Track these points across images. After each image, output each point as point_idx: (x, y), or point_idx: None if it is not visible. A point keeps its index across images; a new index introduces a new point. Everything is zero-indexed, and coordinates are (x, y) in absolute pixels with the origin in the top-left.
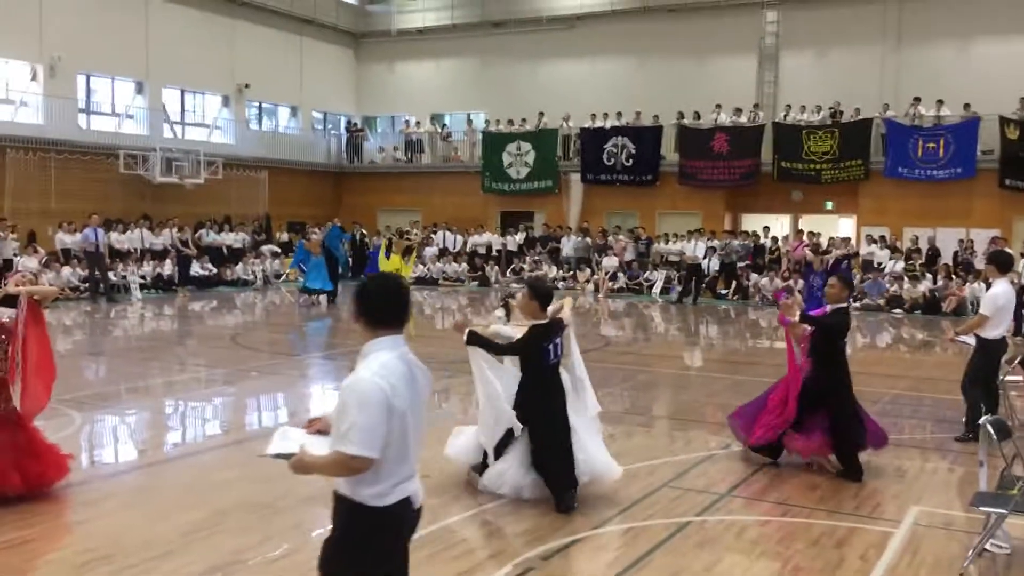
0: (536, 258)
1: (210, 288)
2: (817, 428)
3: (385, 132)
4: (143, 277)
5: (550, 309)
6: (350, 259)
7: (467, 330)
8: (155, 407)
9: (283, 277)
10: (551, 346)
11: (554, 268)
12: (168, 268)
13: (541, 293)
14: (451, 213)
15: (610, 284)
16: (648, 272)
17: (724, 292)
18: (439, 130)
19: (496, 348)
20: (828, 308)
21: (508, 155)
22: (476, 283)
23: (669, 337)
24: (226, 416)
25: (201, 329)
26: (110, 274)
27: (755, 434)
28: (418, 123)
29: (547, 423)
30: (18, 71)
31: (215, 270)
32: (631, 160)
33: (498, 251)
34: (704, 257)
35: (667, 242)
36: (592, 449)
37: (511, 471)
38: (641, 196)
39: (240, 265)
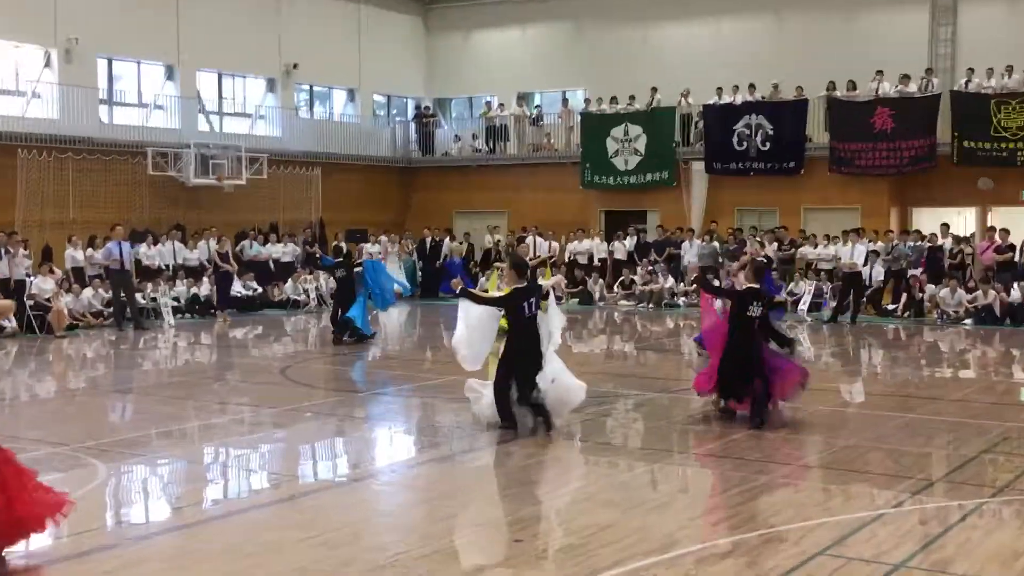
0: (651, 268)
1: (255, 311)
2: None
3: (462, 117)
4: (176, 299)
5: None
6: (419, 273)
7: (460, 287)
8: (192, 455)
9: None
10: (526, 304)
11: (671, 279)
12: (205, 288)
13: (518, 264)
14: (544, 214)
15: None
16: (793, 284)
17: (891, 307)
18: (528, 113)
19: (483, 300)
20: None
21: (613, 141)
22: (577, 300)
23: (821, 365)
24: (276, 466)
25: (245, 361)
26: (138, 296)
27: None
28: (501, 105)
29: (513, 358)
30: (29, 57)
31: (260, 289)
32: (768, 144)
33: (602, 260)
34: (864, 264)
35: (816, 245)
36: (560, 376)
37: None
38: (782, 188)
39: (290, 283)
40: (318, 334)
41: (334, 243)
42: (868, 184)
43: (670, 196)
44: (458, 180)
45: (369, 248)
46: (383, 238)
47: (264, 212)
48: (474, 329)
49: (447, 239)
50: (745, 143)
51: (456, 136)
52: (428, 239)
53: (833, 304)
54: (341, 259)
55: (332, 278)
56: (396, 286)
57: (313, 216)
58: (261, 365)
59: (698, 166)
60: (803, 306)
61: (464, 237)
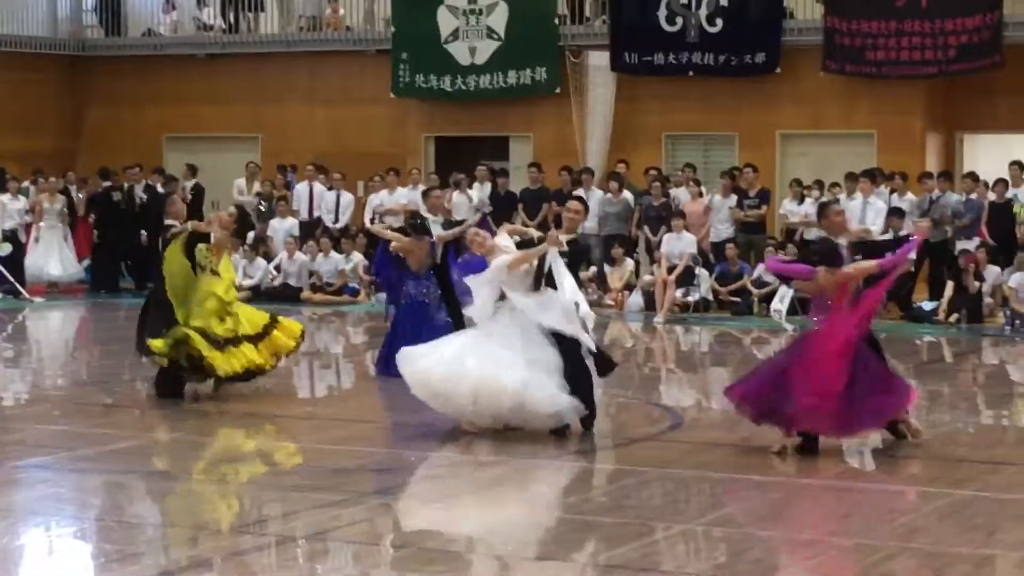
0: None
1: None
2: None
3: None
4: None
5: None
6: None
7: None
8: None
9: None
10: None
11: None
12: None
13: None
14: (326, 143)
15: (679, 294)
16: (761, 267)
17: (928, 306)
18: None
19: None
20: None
21: (450, 15)
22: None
23: None
24: None
25: None
26: None
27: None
28: None
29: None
30: None
31: None
32: (720, 21)
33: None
34: (884, 231)
35: (802, 199)
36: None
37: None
38: (743, 100)
39: None
40: None
41: None
42: (890, 93)
43: (549, 113)
44: (171, 82)
45: (8, 202)
46: (31, 188)
47: None
48: None
49: (149, 182)
50: (680, 20)
51: (168, 2)
52: (121, 188)
53: None
54: None
55: None
56: None
57: None
58: None
59: (599, 59)
60: (779, 304)
61: (163, 182)
